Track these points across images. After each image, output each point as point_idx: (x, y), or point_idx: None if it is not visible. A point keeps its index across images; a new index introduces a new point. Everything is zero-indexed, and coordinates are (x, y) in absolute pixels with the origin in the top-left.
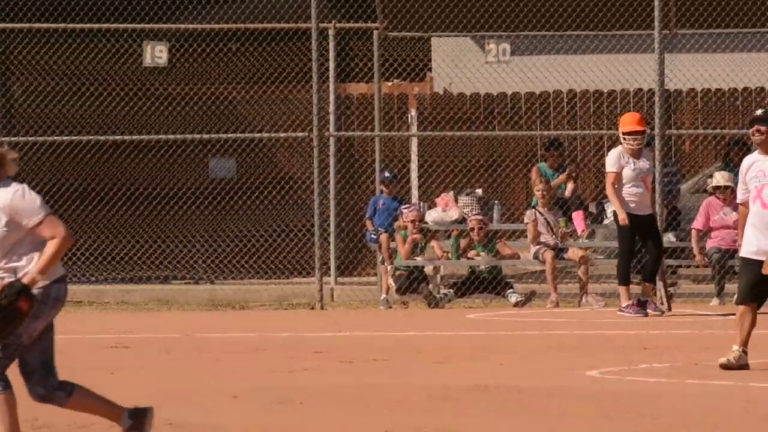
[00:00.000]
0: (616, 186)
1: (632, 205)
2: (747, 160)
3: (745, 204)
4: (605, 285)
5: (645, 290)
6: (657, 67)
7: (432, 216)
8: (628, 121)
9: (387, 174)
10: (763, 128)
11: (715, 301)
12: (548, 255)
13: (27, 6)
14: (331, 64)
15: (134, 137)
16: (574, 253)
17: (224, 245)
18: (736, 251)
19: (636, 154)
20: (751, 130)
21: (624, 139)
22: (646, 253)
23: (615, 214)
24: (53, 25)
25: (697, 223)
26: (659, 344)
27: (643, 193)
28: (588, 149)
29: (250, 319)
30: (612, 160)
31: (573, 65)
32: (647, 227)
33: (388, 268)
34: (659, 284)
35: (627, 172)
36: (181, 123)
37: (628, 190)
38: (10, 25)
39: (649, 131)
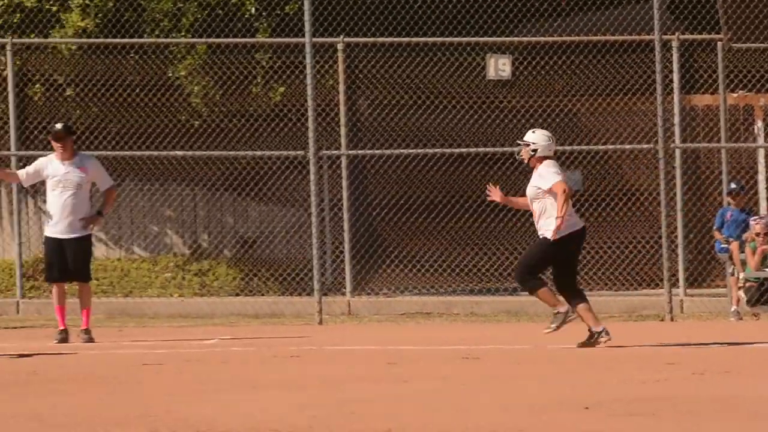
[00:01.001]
0: None
1: None
2: None
3: None
4: None
5: None
6: None
7: None
8: None
9: (734, 185)
10: None
11: None
12: None
13: (371, 21)
14: (675, 76)
15: (480, 149)
16: None
17: None
18: None
19: None
20: None
21: None
22: None
23: None
24: (398, 39)
25: None
26: None
27: None
28: None
29: None
30: None
31: None
32: None
33: (740, 276)
34: None
35: None
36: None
37: None
38: (355, 40)
39: None
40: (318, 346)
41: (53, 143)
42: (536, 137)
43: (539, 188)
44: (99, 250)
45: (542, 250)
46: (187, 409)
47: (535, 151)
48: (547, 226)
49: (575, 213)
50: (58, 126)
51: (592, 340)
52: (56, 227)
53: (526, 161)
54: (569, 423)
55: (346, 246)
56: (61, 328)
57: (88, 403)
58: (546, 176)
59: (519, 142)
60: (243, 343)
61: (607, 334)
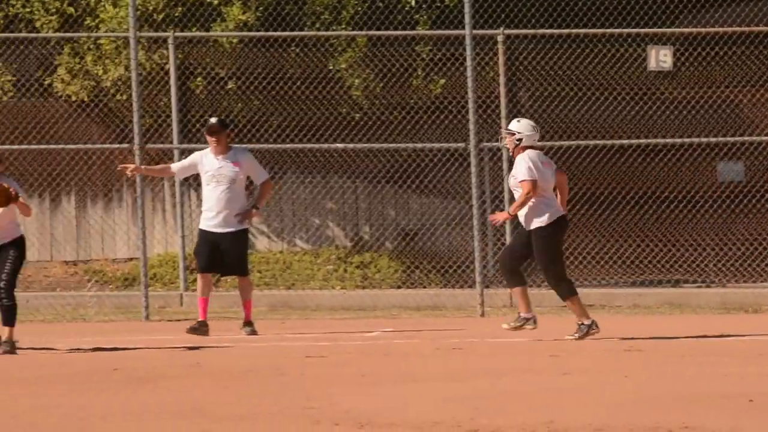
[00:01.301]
0: None
1: None
2: None
3: None
4: None
5: None
6: None
7: None
8: None
9: None
10: None
11: None
12: None
13: (531, 12)
14: None
15: (641, 141)
16: None
17: (735, 249)
18: None
19: None
20: None
21: None
22: None
23: None
24: (558, 31)
25: None
26: None
27: None
28: None
29: (762, 322)
30: None
31: None
32: None
33: None
34: None
35: None
36: (687, 127)
37: None
38: (515, 31)
39: None
40: (480, 338)
41: (207, 137)
42: (521, 126)
43: (515, 177)
44: (261, 243)
45: (545, 242)
46: (349, 401)
47: (519, 140)
48: (534, 216)
49: (557, 202)
50: (213, 120)
51: (519, 325)
52: (211, 221)
53: (511, 150)
54: (734, 417)
55: (508, 238)
56: (201, 319)
57: (250, 394)
58: (519, 168)
59: (504, 130)
60: (405, 335)
61: (534, 323)
